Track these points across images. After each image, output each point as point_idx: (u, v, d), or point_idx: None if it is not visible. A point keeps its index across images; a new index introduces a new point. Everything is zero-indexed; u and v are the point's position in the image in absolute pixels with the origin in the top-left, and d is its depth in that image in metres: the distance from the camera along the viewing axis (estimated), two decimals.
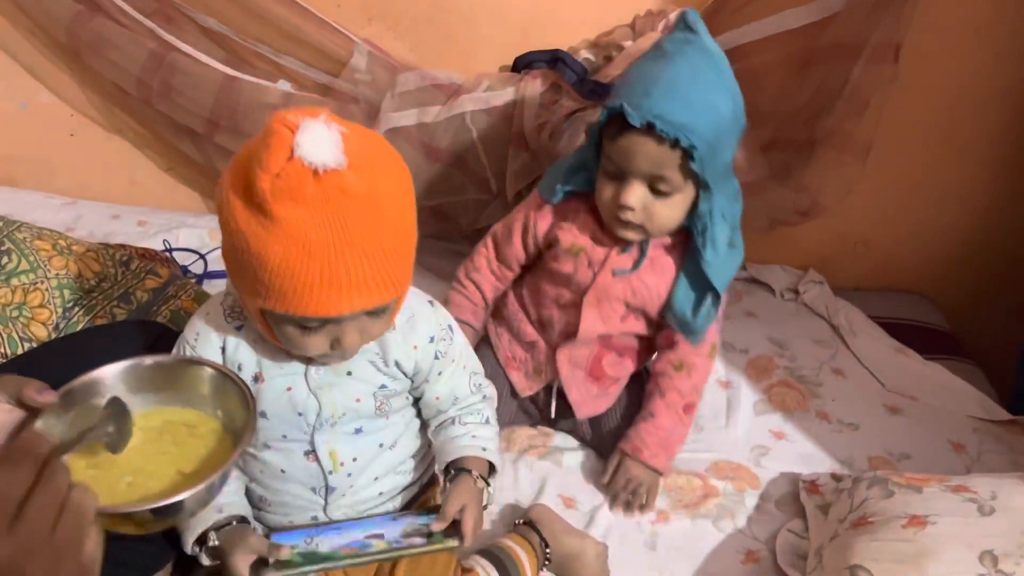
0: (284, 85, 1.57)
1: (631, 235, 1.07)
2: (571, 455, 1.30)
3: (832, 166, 1.49)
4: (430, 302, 0.97)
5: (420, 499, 1.06)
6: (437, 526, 0.91)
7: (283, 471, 0.93)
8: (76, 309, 1.18)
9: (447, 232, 1.67)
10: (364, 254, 0.73)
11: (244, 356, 0.88)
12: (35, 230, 1.23)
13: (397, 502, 1.02)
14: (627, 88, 0.97)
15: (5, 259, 1.16)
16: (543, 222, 1.16)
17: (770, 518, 1.21)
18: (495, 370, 1.28)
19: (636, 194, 1.00)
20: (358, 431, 0.94)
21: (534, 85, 1.48)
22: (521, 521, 1.12)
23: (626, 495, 1.18)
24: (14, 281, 1.15)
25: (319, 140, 0.68)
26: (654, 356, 1.26)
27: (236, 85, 1.53)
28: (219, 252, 1.62)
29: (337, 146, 0.69)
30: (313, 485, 0.95)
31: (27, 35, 1.66)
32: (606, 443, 1.27)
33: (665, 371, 1.21)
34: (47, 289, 1.17)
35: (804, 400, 1.45)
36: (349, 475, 0.94)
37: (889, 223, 1.72)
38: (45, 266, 1.18)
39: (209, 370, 0.81)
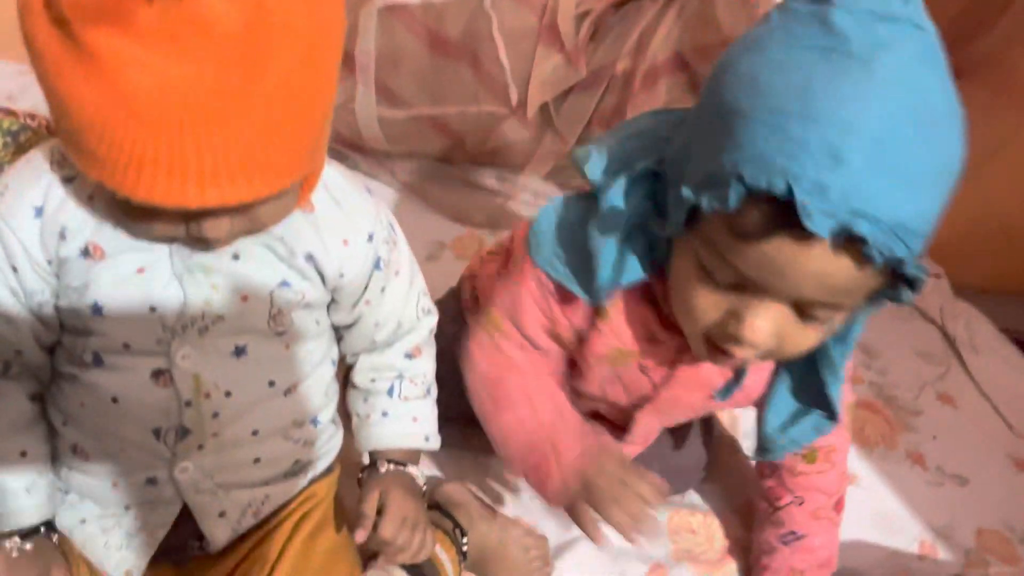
0: None
1: (732, 362, 0.71)
2: None
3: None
4: (368, 189, 0.74)
5: (302, 495, 0.76)
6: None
7: (116, 399, 0.66)
8: None
9: (449, 153, 1.39)
10: (225, 131, 0.51)
11: (71, 217, 0.62)
12: None
13: (276, 490, 0.74)
14: (771, 133, 0.52)
15: None
16: (576, 318, 0.76)
17: None
18: None
19: (772, 324, 0.60)
20: (239, 351, 0.67)
21: None
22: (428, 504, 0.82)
23: None
24: None
25: None
26: None
27: None
28: None
29: None
30: (158, 425, 0.67)
31: None
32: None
33: (793, 466, 0.86)
34: None
35: (892, 432, 1.17)
36: (216, 415, 0.67)
37: None
38: None
39: None
